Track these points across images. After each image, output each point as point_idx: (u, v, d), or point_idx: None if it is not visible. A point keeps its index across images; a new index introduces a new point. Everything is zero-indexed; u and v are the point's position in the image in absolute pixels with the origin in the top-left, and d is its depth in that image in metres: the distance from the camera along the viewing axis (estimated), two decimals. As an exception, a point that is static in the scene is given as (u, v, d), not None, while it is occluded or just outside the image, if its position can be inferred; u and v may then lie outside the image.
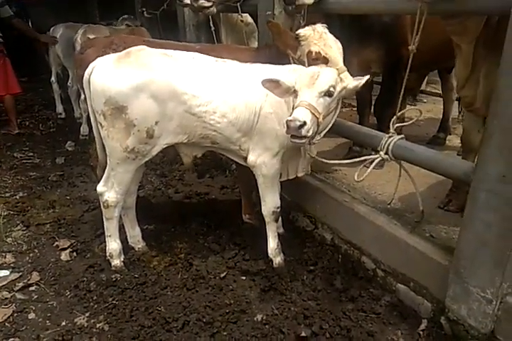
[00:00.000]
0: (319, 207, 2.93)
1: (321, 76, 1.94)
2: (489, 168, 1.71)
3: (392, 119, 2.21)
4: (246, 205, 3.10)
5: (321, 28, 2.26)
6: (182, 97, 2.15)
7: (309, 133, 1.90)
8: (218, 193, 3.70)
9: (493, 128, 1.68)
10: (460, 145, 3.83)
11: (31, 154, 4.64)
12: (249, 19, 3.69)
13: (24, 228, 3.09)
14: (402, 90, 2.29)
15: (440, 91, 4.76)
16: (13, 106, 5.28)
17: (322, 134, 2.18)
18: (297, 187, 2.99)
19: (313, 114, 1.89)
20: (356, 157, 3.32)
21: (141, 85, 2.06)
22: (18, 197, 3.60)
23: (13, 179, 3.98)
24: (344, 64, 2.32)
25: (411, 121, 2.22)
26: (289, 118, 1.87)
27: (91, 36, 4.62)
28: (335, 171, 3.22)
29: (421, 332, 2.13)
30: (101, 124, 2.17)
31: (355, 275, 2.56)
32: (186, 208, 3.41)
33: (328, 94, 1.96)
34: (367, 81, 2.07)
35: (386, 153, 2.20)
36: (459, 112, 4.10)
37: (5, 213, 3.28)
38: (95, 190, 3.61)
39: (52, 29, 5.41)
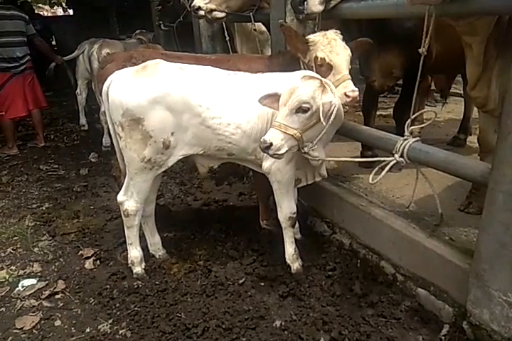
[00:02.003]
0: (336, 212, 2.93)
1: (295, 93, 1.95)
2: (505, 169, 1.68)
3: (407, 122, 2.20)
4: (263, 211, 3.12)
5: (331, 35, 2.28)
6: (196, 109, 2.21)
7: (281, 151, 1.97)
8: (236, 200, 3.74)
9: (508, 129, 1.66)
10: (481, 145, 3.80)
11: (56, 166, 4.80)
12: (263, 28, 3.74)
13: (50, 238, 3.20)
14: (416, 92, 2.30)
15: (460, 92, 4.70)
16: (40, 120, 5.51)
17: (315, 142, 2.12)
18: (314, 192, 2.99)
19: (285, 132, 1.95)
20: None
21: (157, 98, 2.13)
22: (44, 208, 3.74)
23: (39, 190, 4.13)
24: (351, 71, 2.34)
25: (427, 123, 2.21)
26: (261, 139, 1.97)
27: (106, 50, 4.80)
28: (351, 176, 3.21)
29: (443, 337, 2.09)
30: (119, 135, 2.25)
31: (374, 280, 2.53)
32: (205, 215, 3.46)
33: (302, 110, 1.97)
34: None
35: (401, 156, 2.19)
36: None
37: (32, 224, 3.41)
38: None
39: (79, 45, 5.65)
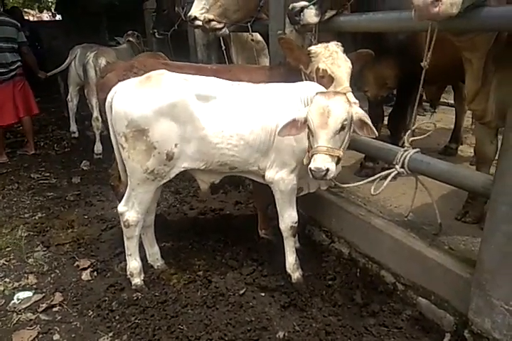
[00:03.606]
0: (335, 221, 2.94)
1: (331, 113, 1.92)
2: (508, 180, 1.72)
3: (407, 133, 2.24)
4: (262, 220, 3.12)
5: (333, 47, 2.32)
6: (200, 122, 2.22)
7: (334, 174, 1.97)
8: (233, 209, 3.73)
9: (510, 142, 1.70)
10: (472, 155, 3.88)
11: (48, 174, 4.72)
12: (259, 37, 3.77)
13: (44, 248, 3.14)
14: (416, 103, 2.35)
15: (449, 101, 4.80)
16: (31, 128, 5.43)
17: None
18: (312, 201, 3.01)
19: (332, 155, 1.94)
20: (369, 173, 3.40)
21: (162, 109, 2.13)
22: (37, 217, 3.67)
23: (31, 199, 4.05)
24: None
25: (426, 134, 2.25)
26: (312, 168, 1.93)
27: (102, 59, 4.77)
28: (348, 184, 3.23)
29: (445, 346, 2.12)
30: (122, 146, 2.23)
31: (374, 289, 2.55)
32: (202, 224, 3.44)
33: (342, 128, 1.97)
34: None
35: (402, 167, 2.23)
36: (473, 122, 4.13)
37: (25, 234, 3.34)
38: (112, 208, 3.74)
39: (71, 51, 5.61)
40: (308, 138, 2.08)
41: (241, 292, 2.57)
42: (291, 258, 2.62)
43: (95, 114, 5.07)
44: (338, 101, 1.95)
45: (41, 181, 4.52)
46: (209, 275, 2.72)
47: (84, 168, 4.88)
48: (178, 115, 2.16)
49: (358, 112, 2.02)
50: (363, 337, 2.20)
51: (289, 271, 2.63)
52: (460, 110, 4.10)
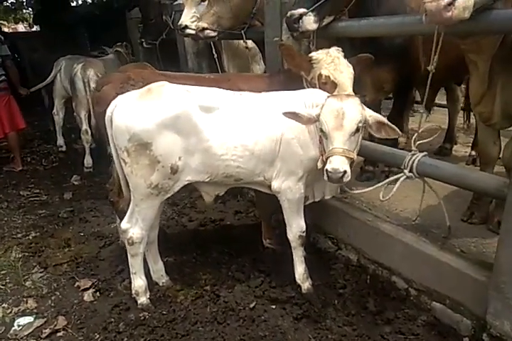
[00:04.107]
0: (340, 228, 2.91)
1: (346, 115, 1.89)
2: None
3: (414, 136, 2.23)
4: (266, 230, 3.07)
5: (334, 53, 2.30)
6: (204, 134, 2.16)
7: (350, 176, 1.92)
8: (233, 219, 3.67)
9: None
10: (467, 154, 3.91)
11: (37, 191, 4.56)
12: (250, 43, 3.74)
13: (42, 270, 3.01)
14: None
15: (439, 102, 4.84)
16: (17, 143, 5.26)
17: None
18: (315, 208, 2.94)
19: (348, 157, 1.91)
20: (370, 176, 3.39)
21: (166, 121, 2.06)
22: (30, 237, 3.53)
23: (22, 218, 3.91)
24: (356, 86, 2.36)
25: (432, 137, 2.24)
26: (329, 169, 1.89)
27: (90, 70, 4.67)
28: (351, 190, 3.20)
29: (464, 351, 2.09)
30: (124, 161, 2.16)
31: (386, 296, 2.52)
32: (203, 236, 3.37)
33: (357, 130, 1.94)
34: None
35: (410, 171, 2.21)
36: (465, 122, 4.18)
37: (19, 255, 3.20)
38: (109, 224, 3.64)
39: (55, 63, 5.47)
40: (321, 141, 2.04)
41: (251, 305, 2.51)
42: (300, 268, 2.57)
43: (84, 126, 4.95)
44: (352, 103, 1.92)
45: (31, 198, 4.37)
46: (216, 290, 2.65)
47: (75, 183, 4.74)
48: (182, 127, 2.10)
49: (373, 115, 2.00)
50: (381, 346, 2.16)
51: (298, 281, 2.58)
52: (453, 110, 4.14)
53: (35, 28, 15.21)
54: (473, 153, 3.74)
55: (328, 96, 1.98)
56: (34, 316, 2.53)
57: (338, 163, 1.88)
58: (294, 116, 2.01)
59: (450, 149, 4.11)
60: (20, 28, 20.13)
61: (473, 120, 4.14)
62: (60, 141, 5.86)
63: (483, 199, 2.59)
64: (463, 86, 4.10)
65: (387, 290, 2.54)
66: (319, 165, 2.09)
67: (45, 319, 2.49)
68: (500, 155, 2.40)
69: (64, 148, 5.89)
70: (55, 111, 5.67)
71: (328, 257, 2.95)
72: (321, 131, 1.99)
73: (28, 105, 7.51)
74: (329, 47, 2.41)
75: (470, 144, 3.93)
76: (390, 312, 2.38)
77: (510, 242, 1.83)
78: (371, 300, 2.48)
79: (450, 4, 1.53)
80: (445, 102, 4.35)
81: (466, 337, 2.16)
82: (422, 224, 2.62)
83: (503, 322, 1.95)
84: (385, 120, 2.00)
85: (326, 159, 1.95)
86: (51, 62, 5.58)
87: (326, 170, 1.91)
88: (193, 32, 3.24)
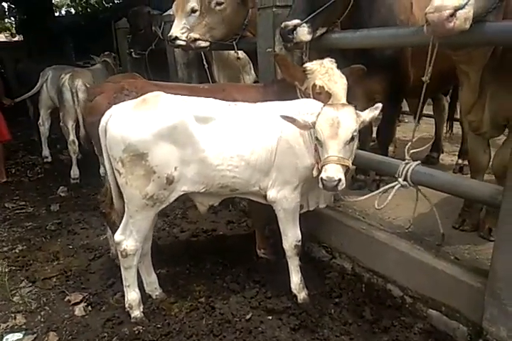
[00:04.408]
0: (334, 236, 2.92)
1: (341, 124, 1.93)
2: (517, 190, 1.75)
3: (407, 146, 2.26)
4: (260, 240, 3.05)
5: (328, 64, 2.33)
6: (200, 144, 2.16)
7: (344, 184, 1.94)
8: (225, 229, 3.64)
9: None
10: (453, 163, 3.99)
11: (23, 203, 4.46)
12: (240, 54, 3.76)
13: (30, 284, 2.92)
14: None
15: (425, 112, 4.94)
16: (1, 155, 5.16)
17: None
18: (309, 217, 2.95)
19: (343, 165, 1.94)
20: (362, 185, 3.42)
21: (162, 131, 2.05)
22: (17, 250, 3.43)
23: (8, 231, 3.80)
24: (347, 97, 2.40)
25: (425, 146, 2.28)
26: (324, 177, 1.92)
27: (78, 80, 4.63)
28: (344, 198, 3.22)
29: (462, 358, 2.10)
30: (119, 171, 2.13)
31: (382, 304, 2.52)
32: (196, 247, 3.33)
33: (352, 139, 1.98)
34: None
35: (405, 180, 2.24)
36: (447, 131, 4.27)
37: (7, 269, 3.11)
38: (98, 236, 3.57)
39: (42, 73, 5.41)
40: (316, 150, 2.07)
41: (247, 317, 2.48)
42: (296, 278, 2.56)
43: (71, 137, 4.88)
44: (348, 112, 1.96)
45: (17, 211, 4.26)
46: (211, 301, 2.61)
47: (62, 194, 4.65)
48: (178, 137, 2.09)
49: (369, 115, 2.08)
50: (379, 355, 2.16)
51: (294, 291, 2.57)
52: (439, 120, 4.22)
53: (17, 38, 15.07)
54: (460, 161, 3.81)
55: (324, 105, 2.01)
56: (23, 332, 2.44)
57: (333, 172, 1.91)
58: (291, 120, 2.03)
59: (437, 158, 4.18)
60: (1, 37, 19.89)
61: (456, 130, 4.26)
62: (46, 151, 5.76)
63: (474, 206, 2.64)
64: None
65: (383, 299, 2.54)
66: (315, 173, 2.12)
67: (35, 335, 2.41)
68: (491, 164, 2.45)
69: (49, 159, 5.80)
70: (40, 121, 5.58)
71: (323, 266, 2.95)
72: (317, 139, 2.02)
73: (12, 115, 7.41)
74: (321, 58, 2.46)
75: (456, 153, 4.01)
76: (387, 321, 2.38)
77: (505, 249, 1.86)
78: (367, 309, 2.48)
79: (452, 15, 1.58)
80: (430, 112, 4.44)
81: (462, 344, 2.18)
82: (416, 232, 2.64)
83: (499, 328, 1.97)
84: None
85: (322, 167, 1.98)
86: (36, 72, 5.52)
87: (321, 178, 1.94)
88: (184, 43, 3.25)
